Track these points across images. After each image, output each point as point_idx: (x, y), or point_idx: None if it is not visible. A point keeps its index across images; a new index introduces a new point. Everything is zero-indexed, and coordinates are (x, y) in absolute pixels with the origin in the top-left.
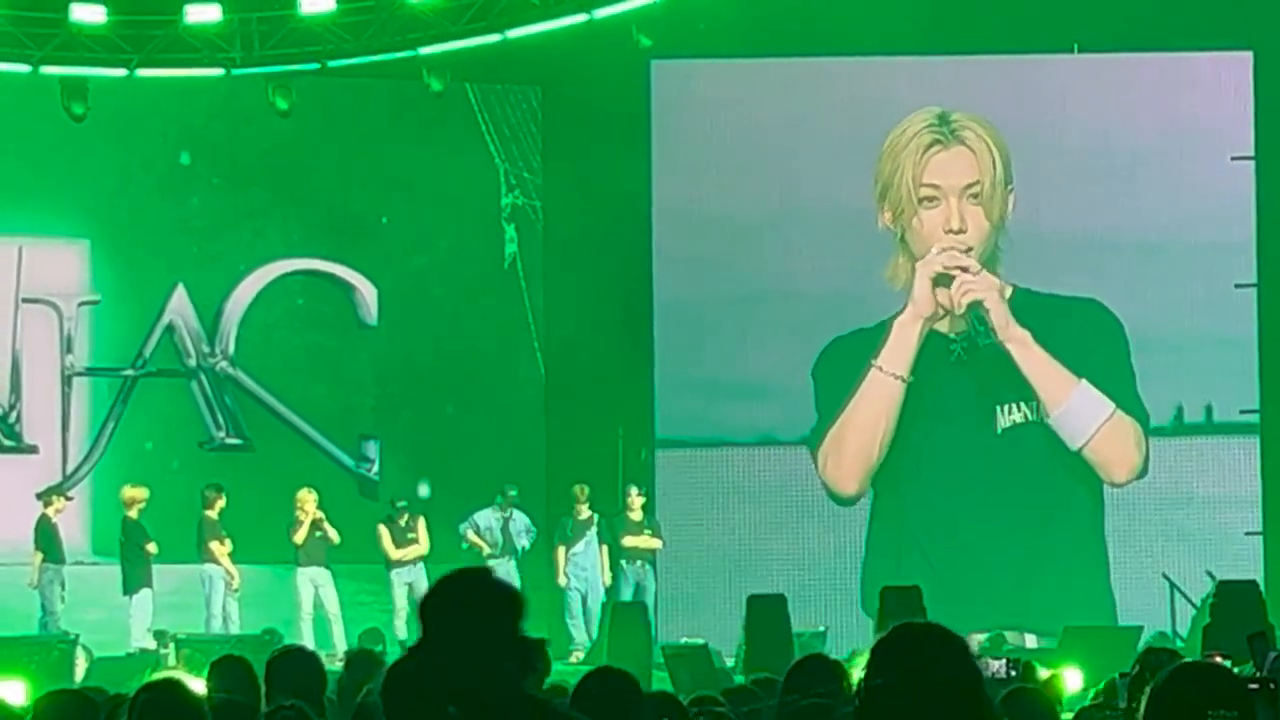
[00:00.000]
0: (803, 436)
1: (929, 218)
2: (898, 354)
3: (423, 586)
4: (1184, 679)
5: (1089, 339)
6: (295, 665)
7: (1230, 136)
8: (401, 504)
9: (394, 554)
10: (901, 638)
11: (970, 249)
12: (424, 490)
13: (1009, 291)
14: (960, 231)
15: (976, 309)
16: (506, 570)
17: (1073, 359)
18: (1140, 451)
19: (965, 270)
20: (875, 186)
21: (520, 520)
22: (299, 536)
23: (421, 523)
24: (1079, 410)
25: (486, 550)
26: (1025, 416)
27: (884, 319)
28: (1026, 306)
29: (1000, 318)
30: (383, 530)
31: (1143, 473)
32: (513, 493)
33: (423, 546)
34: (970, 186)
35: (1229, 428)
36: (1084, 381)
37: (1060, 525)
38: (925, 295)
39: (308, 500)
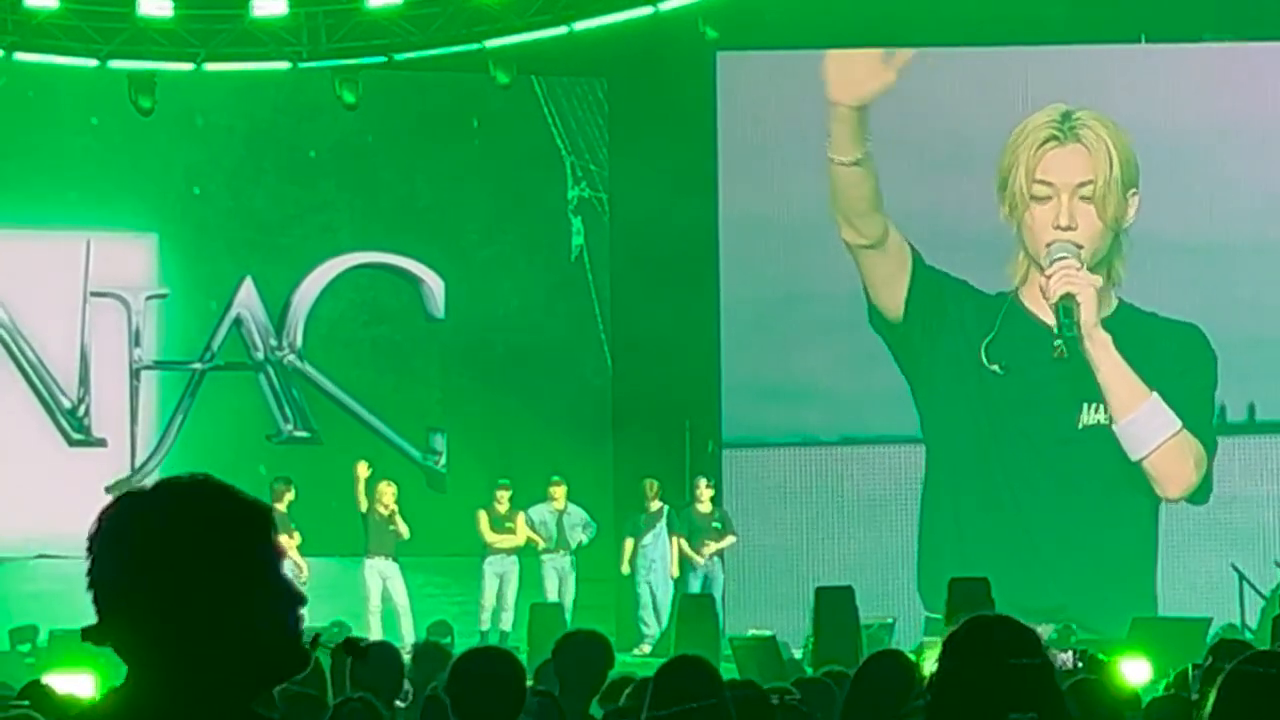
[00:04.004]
0: (847, 436)
1: (1040, 214)
2: None
3: (514, 583)
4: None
5: (1180, 363)
6: (373, 658)
7: None
8: (503, 481)
9: (490, 538)
10: (975, 630)
11: (1081, 247)
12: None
13: (1114, 304)
14: (1069, 229)
15: (1067, 302)
16: (563, 565)
17: (1158, 379)
18: (1199, 472)
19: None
20: (995, 179)
21: (576, 514)
22: (370, 515)
23: (521, 516)
24: (1146, 423)
25: (541, 545)
26: (1107, 418)
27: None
28: (1127, 321)
29: (1089, 315)
30: (482, 515)
31: (1197, 493)
32: (555, 478)
33: (519, 538)
34: (1083, 185)
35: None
36: (1155, 395)
37: (1114, 522)
38: None
39: (386, 493)
